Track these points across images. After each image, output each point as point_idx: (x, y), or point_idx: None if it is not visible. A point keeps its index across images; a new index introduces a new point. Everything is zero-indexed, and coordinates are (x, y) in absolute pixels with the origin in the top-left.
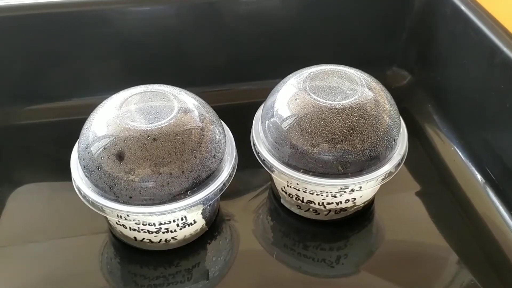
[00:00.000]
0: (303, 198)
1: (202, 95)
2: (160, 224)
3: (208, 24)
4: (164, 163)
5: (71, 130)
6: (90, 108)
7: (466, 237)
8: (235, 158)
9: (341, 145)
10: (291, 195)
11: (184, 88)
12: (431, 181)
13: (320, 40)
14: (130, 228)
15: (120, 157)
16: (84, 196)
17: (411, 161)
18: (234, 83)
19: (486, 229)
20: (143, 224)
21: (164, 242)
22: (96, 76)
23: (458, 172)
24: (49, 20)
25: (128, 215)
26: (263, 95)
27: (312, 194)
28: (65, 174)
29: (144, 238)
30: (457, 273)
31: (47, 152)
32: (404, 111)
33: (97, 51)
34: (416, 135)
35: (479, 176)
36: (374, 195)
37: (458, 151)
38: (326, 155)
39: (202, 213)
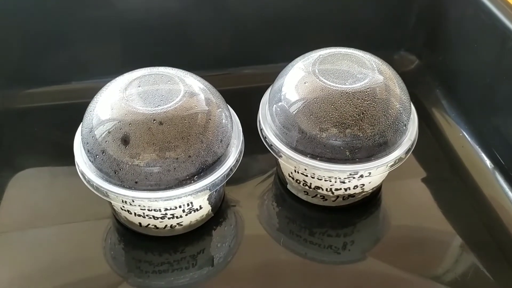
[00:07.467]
0: (310, 184)
1: (208, 78)
2: (166, 209)
3: (214, 5)
4: (170, 148)
5: (72, 114)
6: (91, 92)
7: (475, 223)
8: (242, 143)
9: (350, 130)
10: (298, 181)
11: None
12: (439, 167)
13: (327, 23)
14: (135, 213)
15: (125, 141)
16: (89, 181)
17: (419, 146)
18: (241, 66)
19: (495, 215)
20: (148, 210)
21: (169, 228)
22: (98, 59)
23: (467, 157)
24: (49, 1)
25: (133, 201)
26: (270, 79)
27: (320, 179)
28: (67, 158)
29: (149, 224)
30: (466, 259)
31: (47, 136)
32: (411, 96)
33: (99, 33)
34: (424, 120)
35: (488, 162)
36: (382, 181)
37: (467, 136)
38: (335, 140)
39: (208, 199)
